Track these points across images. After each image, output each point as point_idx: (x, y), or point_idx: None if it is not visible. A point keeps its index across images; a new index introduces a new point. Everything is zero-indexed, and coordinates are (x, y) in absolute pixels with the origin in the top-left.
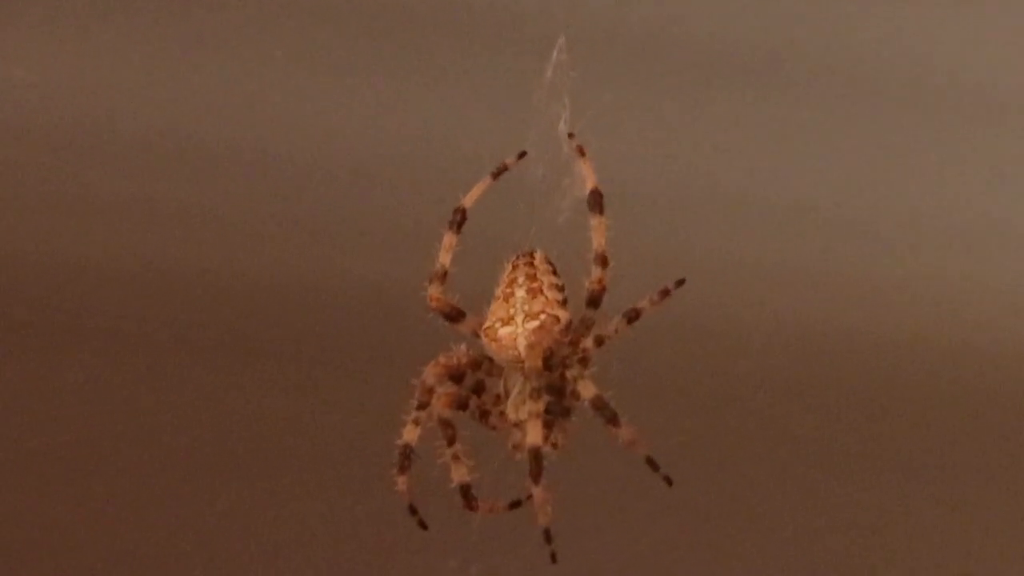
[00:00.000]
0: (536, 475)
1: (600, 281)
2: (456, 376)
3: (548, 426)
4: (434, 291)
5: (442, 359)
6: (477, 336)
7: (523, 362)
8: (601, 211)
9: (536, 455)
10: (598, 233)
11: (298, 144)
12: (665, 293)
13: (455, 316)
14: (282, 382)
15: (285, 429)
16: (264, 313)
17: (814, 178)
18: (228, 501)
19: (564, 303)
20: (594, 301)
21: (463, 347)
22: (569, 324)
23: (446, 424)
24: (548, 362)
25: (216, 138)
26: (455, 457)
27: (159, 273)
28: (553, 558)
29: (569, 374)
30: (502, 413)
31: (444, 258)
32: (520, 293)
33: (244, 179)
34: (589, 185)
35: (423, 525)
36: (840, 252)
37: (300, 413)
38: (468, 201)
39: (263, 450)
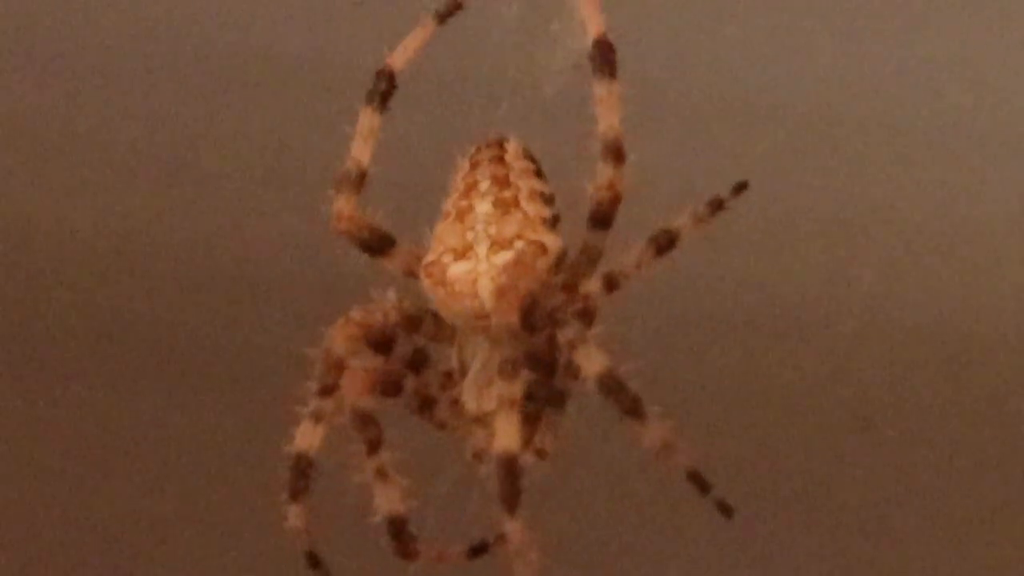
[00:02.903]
0: (510, 501)
1: (611, 186)
2: (380, 342)
3: (530, 421)
4: (344, 205)
5: (357, 315)
6: (414, 277)
7: (489, 318)
8: (612, 74)
9: (511, 468)
10: (607, 109)
11: None
12: (717, 205)
13: (378, 245)
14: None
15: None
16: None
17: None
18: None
19: (554, 222)
20: (602, 218)
21: (391, 296)
22: (562, 256)
23: (365, 420)
24: (529, 318)
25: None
26: (380, 473)
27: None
28: None
29: (563, 337)
30: (456, 401)
31: (360, 152)
32: (484, 207)
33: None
34: (593, 32)
35: None
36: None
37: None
38: (398, 60)
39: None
